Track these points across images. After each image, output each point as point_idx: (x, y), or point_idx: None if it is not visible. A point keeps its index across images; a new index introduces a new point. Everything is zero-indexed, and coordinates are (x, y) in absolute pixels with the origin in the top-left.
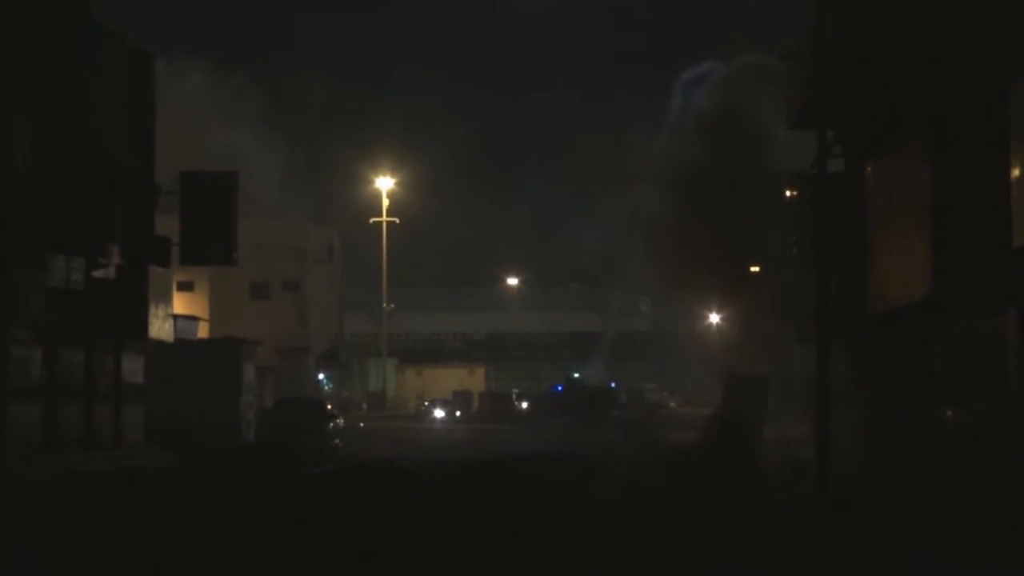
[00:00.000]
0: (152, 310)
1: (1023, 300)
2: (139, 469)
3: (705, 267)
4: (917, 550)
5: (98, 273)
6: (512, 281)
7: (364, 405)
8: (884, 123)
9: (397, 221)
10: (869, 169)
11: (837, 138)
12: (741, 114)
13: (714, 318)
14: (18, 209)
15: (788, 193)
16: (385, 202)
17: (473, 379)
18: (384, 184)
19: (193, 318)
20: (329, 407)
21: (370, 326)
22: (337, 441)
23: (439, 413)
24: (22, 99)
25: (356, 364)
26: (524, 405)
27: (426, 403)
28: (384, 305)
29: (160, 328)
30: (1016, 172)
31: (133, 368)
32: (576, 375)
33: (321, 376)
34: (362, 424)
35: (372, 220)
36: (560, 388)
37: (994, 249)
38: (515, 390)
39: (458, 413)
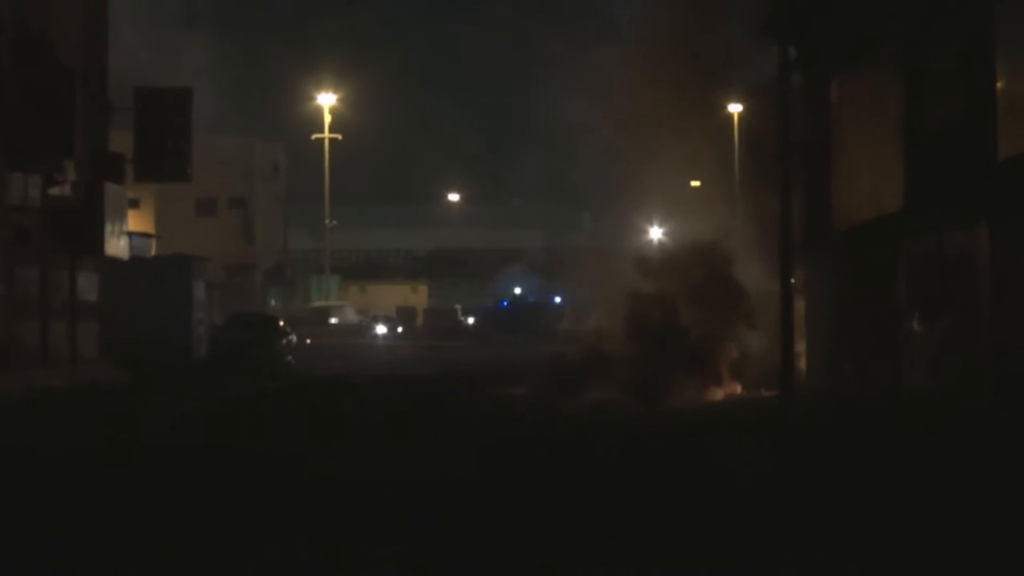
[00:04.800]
0: (108, 227)
1: (996, 214)
2: (95, 385)
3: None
4: (875, 460)
5: (54, 190)
6: (454, 197)
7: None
8: (854, 39)
9: (339, 137)
10: (836, 85)
11: (800, 54)
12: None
13: (655, 233)
14: None
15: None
16: (327, 118)
17: (416, 296)
18: (326, 100)
19: (147, 235)
20: (281, 323)
21: (313, 242)
22: (290, 358)
23: (381, 329)
24: None
25: (300, 280)
26: (470, 321)
27: (363, 320)
28: (327, 221)
29: (116, 245)
30: (1001, 84)
31: (88, 285)
32: (518, 290)
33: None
34: (308, 340)
35: (314, 136)
36: (506, 304)
37: (966, 164)
38: (458, 306)
39: (400, 329)
